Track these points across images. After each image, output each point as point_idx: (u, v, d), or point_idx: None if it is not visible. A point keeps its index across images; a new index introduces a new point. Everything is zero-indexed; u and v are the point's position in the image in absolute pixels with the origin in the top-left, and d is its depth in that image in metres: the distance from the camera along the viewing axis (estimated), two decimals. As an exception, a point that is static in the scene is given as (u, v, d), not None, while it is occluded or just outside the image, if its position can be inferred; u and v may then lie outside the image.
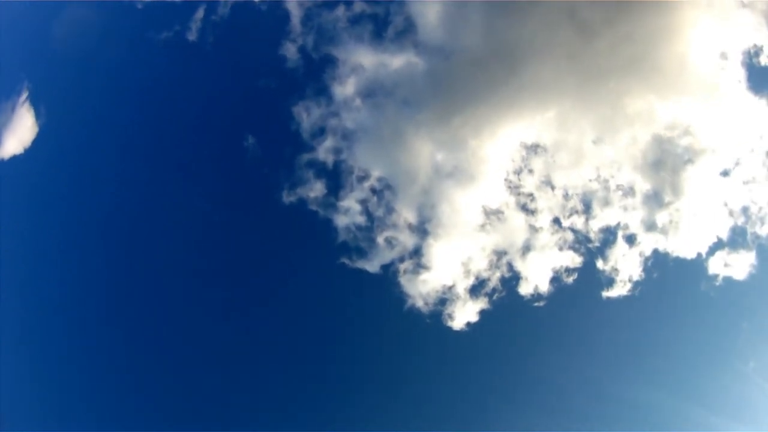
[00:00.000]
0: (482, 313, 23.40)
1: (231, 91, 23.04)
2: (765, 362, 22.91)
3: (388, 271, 22.73)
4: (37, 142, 22.35)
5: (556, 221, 23.81)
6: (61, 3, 22.46)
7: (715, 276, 23.44)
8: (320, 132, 22.56)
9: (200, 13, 23.19)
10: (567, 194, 23.88)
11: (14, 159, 23.51)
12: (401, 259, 22.91)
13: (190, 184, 22.34)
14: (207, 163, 22.52)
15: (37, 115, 22.45)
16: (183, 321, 21.65)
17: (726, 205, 24.06)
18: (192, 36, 23.09)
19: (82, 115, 22.22)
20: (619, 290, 23.71)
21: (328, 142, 22.49)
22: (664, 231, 23.78)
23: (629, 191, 24.19)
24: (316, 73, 22.88)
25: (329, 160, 22.57)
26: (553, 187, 23.77)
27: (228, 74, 23.06)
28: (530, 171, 23.68)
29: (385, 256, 22.73)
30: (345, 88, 22.99)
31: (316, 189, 22.44)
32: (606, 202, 24.17)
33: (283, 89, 22.89)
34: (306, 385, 22.75)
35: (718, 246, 23.86)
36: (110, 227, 22.26)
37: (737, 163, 24.07)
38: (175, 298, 21.90)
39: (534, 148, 23.86)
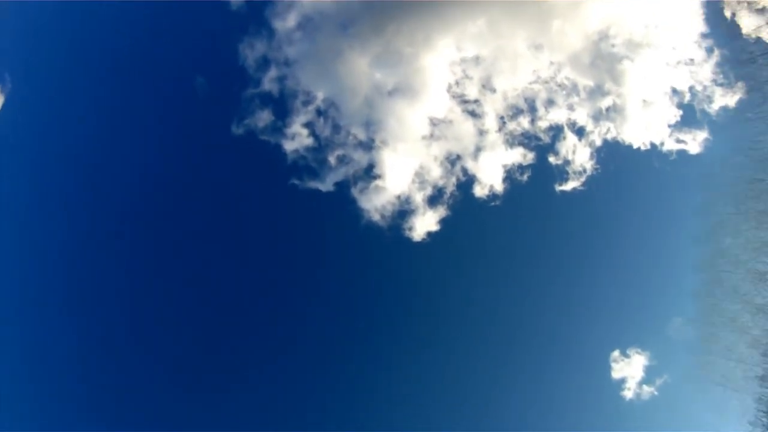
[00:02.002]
0: (441, 221, 23.54)
1: (180, 38, 24.25)
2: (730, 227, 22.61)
3: (343, 189, 23.16)
4: (5, 109, 23.60)
5: (504, 123, 24.24)
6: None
7: (670, 153, 23.52)
8: (264, 63, 23.61)
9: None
10: (511, 97, 24.41)
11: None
12: (354, 176, 23.35)
13: (146, 130, 23.35)
14: (162, 108, 23.52)
15: (2, 84, 23.80)
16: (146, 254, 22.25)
17: (671, 87, 24.41)
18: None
19: (47, 77, 23.52)
20: (573, 183, 23.79)
21: (272, 72, 23.50)
22: (611, 119, 24.04)
23: (572, 89, 24.67)
24: (257, 13, 24.07)
25: (274, 89, 23.51)
26: (494, 91, 24.32)
27: (176, 23, 24.28)
28: (470, 78, 24.25)
29: (337, 174, 23.22)
30: (285, 23, 24.07)
31: (263, 118, 23.30)
32: (551, 101, 24.64)
33: (227, 31, 24.08)
34: (273, 310, 22.84)
35: (668, 127, 24.06)
36: (80, 180, 23.12)
37: (674, 48, 24.54)
38: (138, 234, 22.50)
39: (475, 59, 24.51)
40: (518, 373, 22.94)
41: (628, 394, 23.09)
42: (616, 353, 22.78)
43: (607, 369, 22.98)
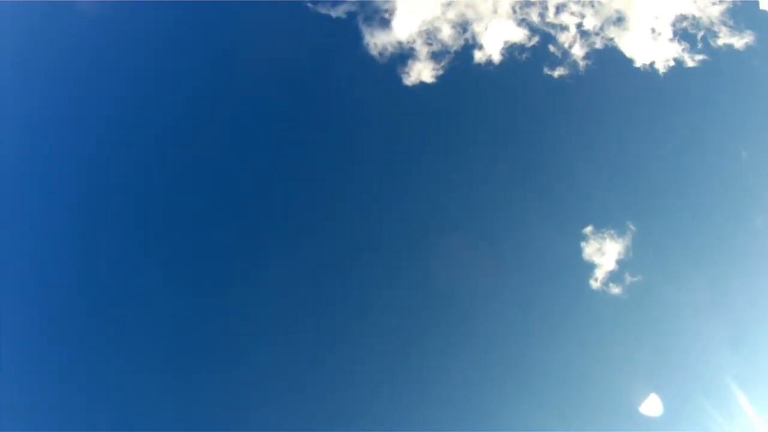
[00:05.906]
0: (437, 76, 24.23)
1: None
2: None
3: (352, 20, 24.32)
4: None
5: (515, 11, 25.46)
6: None
7: (666, 62, 23.96)
8: None
9: None
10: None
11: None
12: (365, 11, 24.54)
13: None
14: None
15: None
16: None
17: (680, 15, 25.54)
18: None
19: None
20: (563, 71, 24.24)
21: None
22: (616, 23, 25.09)
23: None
24: None
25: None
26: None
27: None
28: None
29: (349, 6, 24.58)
30: None
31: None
32: (563, 5, 25.97)
33: None
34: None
35: (667, 46, 24.79)
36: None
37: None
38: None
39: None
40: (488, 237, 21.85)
41: (595, 284, 21.32)
42: (589, 228, 21.47)
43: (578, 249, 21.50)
